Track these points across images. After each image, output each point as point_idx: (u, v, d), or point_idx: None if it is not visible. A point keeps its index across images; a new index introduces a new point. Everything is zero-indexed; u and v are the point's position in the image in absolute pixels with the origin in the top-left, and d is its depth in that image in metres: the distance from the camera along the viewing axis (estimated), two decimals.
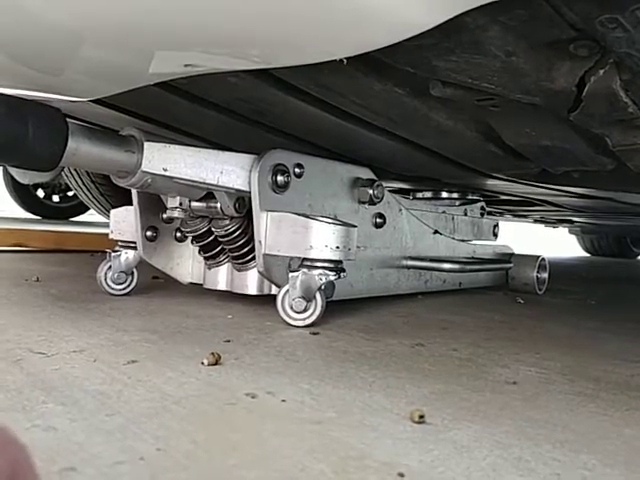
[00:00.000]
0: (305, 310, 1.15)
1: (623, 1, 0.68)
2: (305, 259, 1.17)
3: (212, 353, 0.85)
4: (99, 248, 2.27)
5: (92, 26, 0.74)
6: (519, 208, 3.01)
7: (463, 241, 1.97)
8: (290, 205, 1.23)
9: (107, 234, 1.49)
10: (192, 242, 1.41)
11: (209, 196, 1.27)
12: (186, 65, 0.86)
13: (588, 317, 1.59)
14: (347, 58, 0.81)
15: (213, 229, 1.34)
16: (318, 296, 1.15)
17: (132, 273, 1.44)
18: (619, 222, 3.63)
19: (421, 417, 0.66)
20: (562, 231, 5.47)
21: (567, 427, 0.67)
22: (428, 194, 2.11)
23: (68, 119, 1.00)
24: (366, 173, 1.46)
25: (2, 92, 0.93)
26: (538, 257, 2.05)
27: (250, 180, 1.18)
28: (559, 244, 6.31)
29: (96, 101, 1.13)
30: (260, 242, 1.19)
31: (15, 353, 0.84)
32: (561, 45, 0.81)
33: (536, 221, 4.20)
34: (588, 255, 6.04)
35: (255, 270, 1.29)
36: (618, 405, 0.77)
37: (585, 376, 0.91)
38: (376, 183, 1.43)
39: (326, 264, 1.16)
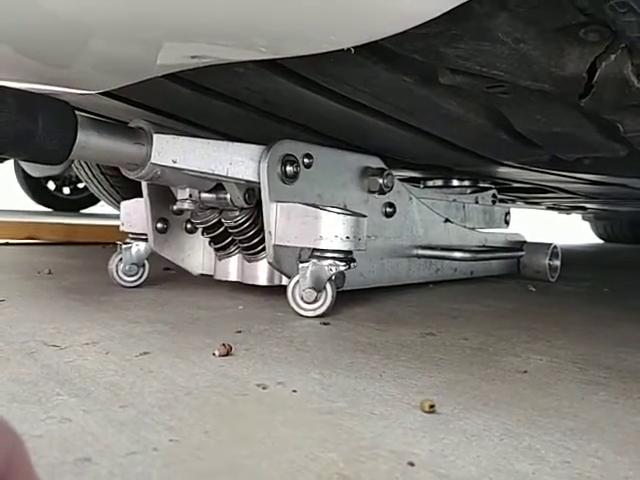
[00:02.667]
0: (315, 300, 1.15)
1: None
2: (315, 249, 1.17)
3: (223, 344, 0.85)
4: (110, 240, 2.28)
5: (100, 19, 0.74)
6: (531, 195, 2.99)
7: (474, 229, 1.96)
8: (299, 195, 1.23)
9: (118, 226, 1.50)
10: (202, 233, 1.42)
11: (219, 187, 1.28)
12: (193, 56, 0.86)
13: (600, 305, 1.59)
14: (354, 47, 0.80)
15: (223, 220, 1.34)
16: (328, 286, 1.16)
17: (143, 265, 1.44)
18: (633, 208, 3.60)
19: (431, 407, 0.66)
20: (575, 217, 5.43)
21: (578, 415, 0.67)
22: (439, 182, 2.11)
23: (77, 112, 1.01)
24: (376, 162, 1.46)
25: (11, 86, 0.93)
26: (550, 244, 2.03)
27: (259, 171, 1.18)
28: (572, 230, 6.27)
29: (105, 93, 1.13)
30: (270, 233, 1.20)
31: (30, 346, 0.85)
32: (571, 31, 0.80)
33: (549, 208, 4.17)
34: (601, 241, 5.99)
35: (265, 261, 1.30)
36: (629, 393, 0.77)
37: (596, 364, 0.91)
38: (386, 172, 1.42)
39: (336, 254, 1.16)
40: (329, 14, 0.69)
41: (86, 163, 2.91)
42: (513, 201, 3.49)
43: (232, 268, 1.41)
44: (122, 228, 1.46)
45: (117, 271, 1.41)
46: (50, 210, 5.29)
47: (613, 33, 0.79)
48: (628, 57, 0.84)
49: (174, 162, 1.12)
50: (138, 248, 1.43)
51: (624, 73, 0.86)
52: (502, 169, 1.90)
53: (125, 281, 1.42)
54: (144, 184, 1.36)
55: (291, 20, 0.72)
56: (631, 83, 0.89)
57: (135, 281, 1.43)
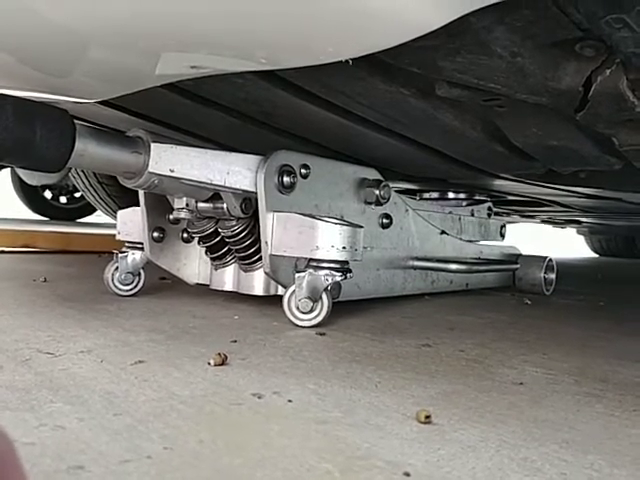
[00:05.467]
0: (311, 310, 1.15)
1: (629, 1, 0.67)
2: (311, 259, 1.17)
3: (219, 353, 0.85)
4: (106, 249, 2.28)
5: (99, 28, 0.75)
6: (526, 208, 3.01)
7: (470, 242, 1.97)
8: (296, 206, 1.23)
9: (114, 235, 1.50)
10: (199, 243, 1.42)
11: (216, 197, 1.28)
12: (192, 66, 0.87)
13: (596, 318, 1.59)
14: (353, 59, 0.81)
15: (220, 230, 1.34)
16: (324, 297, 1.15)
17: (139, 274, 1.44)
18: (627, 222, 3.61)
19: (427, 417, 0.66)
20: (570, 231, 5.45)
21: (574, 427, 0.67)
22: (435, 194, 2.11)
23: (75, 120, 1.01)
24: (372, 174, 1.46)
25: (10, 94, 0.94)
26: (545, 258, 2.04)
27: (256, 181, 1.18)
28: (567, 244, 6.29)
29: (103, 102, 1.14)
30: (266, 243, 1.20)
31: (24, 353, 0.85)
32: (567, 45, 0.80)
33: (544, 221, 4.18)
34: (596, 256, 6.01)
35: (261, 271, 1.30)
36: (625, 405, 0.77)
37: (592, 376, 0.91)
38: (382, 184, 1.43)
39: (332, 264, 1.16)
40: (328, 26, 0.70)
41: (83, 172, 2.92)
42: (508, 214, 3.50)
43: (228, 278, 1.41)
44: (118, 237, 1.46)
45: (113, 280, 1.41)
46: (46, 219, 5.28)
47: (608, 48, 0.80)
48: (623, 72, 0.85)
49: (171, 171, 1.12)
50: (134, 257, 1.43)
51: (619, 88, 0.87)
52: (498, 182, 1.91)
53: (121, 290, 1.41)
54: (141, 193, 1.36)
55: (290, 32, 0.72)
56: (626, 98, 0.90)
57: (131, 290, 1.42)
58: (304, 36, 0.74)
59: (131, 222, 1.44)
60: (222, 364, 0.84)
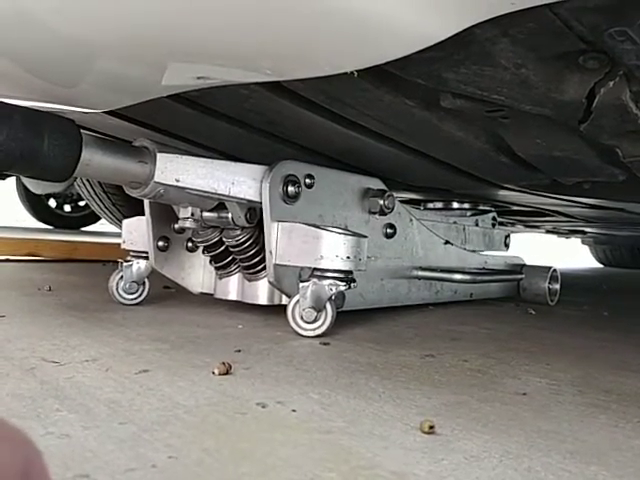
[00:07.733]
0: (315, 320, 1.15)
1: (632, 14, 0.68)
2: (316, 269, 1.17)
3: (223, 363, 0.85)
4: (110, 258, 2.29)
5: (106, 39, 0.76)
6: (531, 219, 3.00)
7: (474, 252, 1.97)
8: (301, 215, 1.24)
9: (118, 244, 1.50)
10: (203, 252, 1.42)
11: (220, 206, 1.28)
12: (198, 77, 0.88)
13: (600, 328, 1.58)
14: (358, 70, 0.82)
15: (224, 239, 1.35)
16: (328, 306, 1.16)
17: (143, 283, 1.45)
18: (632, 233, 3.61)
19: (431, 427, 0.66)
20: (575, 241, 5.44)
21: (577, 438, 0.67)
22: (439, 205, 2.12)
23: (82, 130, 1.02)
24: (377, 184, 1.47)
25: (18, 104, 0.95)
26: (550, 268, 2.04)
27: (261, 191, 1.19)
28: (572, 254, 6.27)
29: (109, 112, 1.15)
30: (271, 252, 1.20)
31: (29, 362, 0.85)
32: (571, 57, 0.81)
33: (548, 232, 4.18)
34: (601, 266, 5.99)
35: (266, 280, 1.30)
36: (629, 417, 0.77)
37: (596, 387, 0.91)
38: (387, 194, 1.43)
39: (337, 274, 1.17)
40: (333, 38, 0.71)
41: (88, 181, 2.93)
42: (512, 224, 3.50)
43: (232, 287, 1.41)
44: (123, 246, 1.47)
45: (117, 289, 1.41)
46: (51, 227, 5.30)
47: (611, 60, 0.80)
48: (626, 84, 0.85)
49: (177, 181, 1.13)
50: (139, 266, 1.43)
51: (622, 99, 0.87)
52: (502, 192, 1.91)
53: (125, 299, 1.42)
54: (146, 202, 1.37)
55: (296, 44, 0.73)
56: (629, 109, 0.90)
57: (135, 299, 1.43)
58: (310, 48, 0.74)
59: (136, 231, 1.44)
60: (226, 373, 0.84)
